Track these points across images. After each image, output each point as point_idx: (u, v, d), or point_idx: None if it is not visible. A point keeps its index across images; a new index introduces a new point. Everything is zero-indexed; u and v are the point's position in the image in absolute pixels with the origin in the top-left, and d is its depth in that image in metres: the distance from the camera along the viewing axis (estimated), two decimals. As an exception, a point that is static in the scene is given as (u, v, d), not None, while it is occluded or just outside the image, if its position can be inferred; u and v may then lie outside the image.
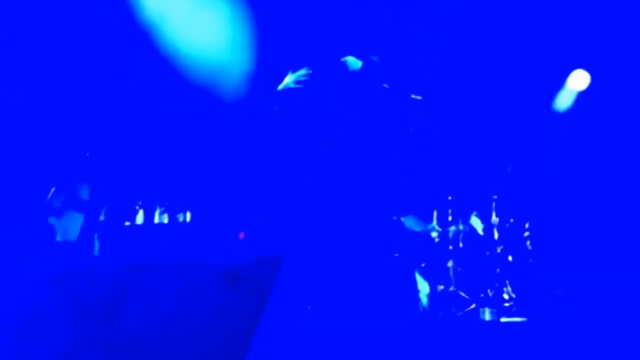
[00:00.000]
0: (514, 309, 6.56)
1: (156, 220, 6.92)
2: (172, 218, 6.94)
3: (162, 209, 6.94)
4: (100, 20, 7.07)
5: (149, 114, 7.36)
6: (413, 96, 4.35)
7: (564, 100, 7.66)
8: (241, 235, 7.56)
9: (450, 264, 6.86)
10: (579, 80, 7.61)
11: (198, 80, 7.31)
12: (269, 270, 3.06)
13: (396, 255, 6.16)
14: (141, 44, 7.23)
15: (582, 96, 7.60)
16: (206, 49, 7.34)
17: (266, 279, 3.03)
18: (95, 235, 6.32)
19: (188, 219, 6.95)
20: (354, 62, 4.55)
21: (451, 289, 6.68)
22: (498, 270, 6.77)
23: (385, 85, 4.32)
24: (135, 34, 7.20)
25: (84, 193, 6.40)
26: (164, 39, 7.29)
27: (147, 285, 3.23)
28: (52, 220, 6.19)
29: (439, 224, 7.04)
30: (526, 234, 6.94)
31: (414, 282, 6.39)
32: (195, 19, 7.24)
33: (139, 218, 6.91)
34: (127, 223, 6.83)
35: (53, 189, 6.24)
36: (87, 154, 6.55)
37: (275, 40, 7.34)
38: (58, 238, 6.12)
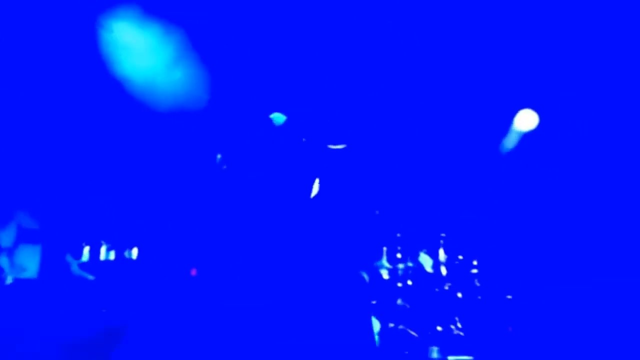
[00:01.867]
0: (463, 346, 6.56)
1: (102, 257, 6.80)
2: (119, 255, 6.82)
3: (109, 245, 6.83)
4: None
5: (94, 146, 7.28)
6: (332, 146, 4.43)
7: (510, 139, 7.82)
8: (193, 272, 7.50)
9: (399, 301, 6.86)
10: (525, 120, 7.78)
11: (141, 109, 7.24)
12: (110, 340, 3.17)
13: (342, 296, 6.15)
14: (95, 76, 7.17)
15: (528, 136, 7.77)
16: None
17: (105, 349, 3.12)
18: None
19: (134, 255, 6.85)
20: (278, 117, 4.63)
21: (400, 327, 6.65)
22: (447, 307, 6.78)
23: (304, 139, 4.41)
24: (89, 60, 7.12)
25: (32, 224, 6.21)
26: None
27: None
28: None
29: (388, 261, 7.05)
30: (474, 270, 6.99)
31: (363, 322, 6.34)
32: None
33: (85, 255, 6.78)
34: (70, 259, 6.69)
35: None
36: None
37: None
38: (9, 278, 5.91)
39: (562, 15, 6.85)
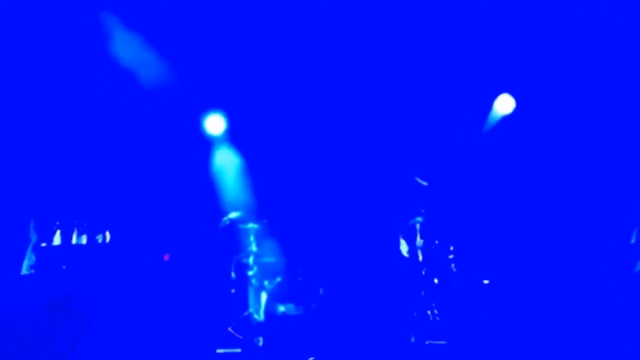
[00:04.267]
0: (439, 331, 6.57)
1: (74, 240, 6.65)
2: (91, 238, 6.68)
3: (81, 228, 6.68)
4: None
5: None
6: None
7: (490, 123, 7.79)
8: (166, 257, 7.46)
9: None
10: (504, 104, 7.74)
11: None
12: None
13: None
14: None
15: (507, 120, 7.75)
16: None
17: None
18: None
19: (107, 239, 6.72)
20: None
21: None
22: (423, 292, 6.77)
23: None
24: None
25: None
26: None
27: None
28: None
29: (365, 246, 7.01)
30: (451, 256, 6.98)
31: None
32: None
33: (57, 238, 6.63)
34: (43, 244, 6.55)
35: None
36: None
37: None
38: None
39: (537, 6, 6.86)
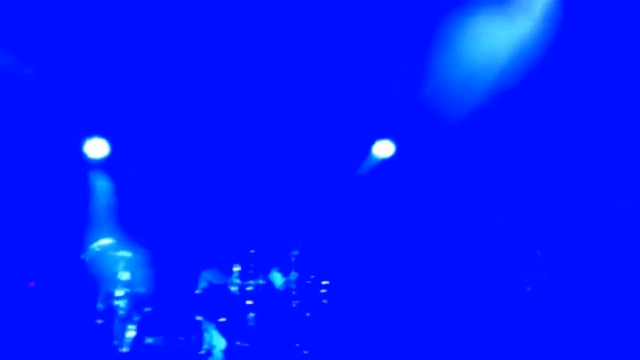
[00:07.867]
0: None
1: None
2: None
3: None
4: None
5: None
6: None
7: (367, 165, 8.10)
8: (31, 284, 7.12)
9: (248, 318, 6.79)
10: (383, 149, 8.08)
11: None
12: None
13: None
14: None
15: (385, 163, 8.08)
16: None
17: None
18: None
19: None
20: None
21: (245, 344, 6.58)
22: (294, 325, 6.80)
23: None
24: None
25: None
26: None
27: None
28: None
29: (239, 277, 6.97)
30: (323, 290, 7.08)
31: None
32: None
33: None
34: None
35: None
36: None
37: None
38: None
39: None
